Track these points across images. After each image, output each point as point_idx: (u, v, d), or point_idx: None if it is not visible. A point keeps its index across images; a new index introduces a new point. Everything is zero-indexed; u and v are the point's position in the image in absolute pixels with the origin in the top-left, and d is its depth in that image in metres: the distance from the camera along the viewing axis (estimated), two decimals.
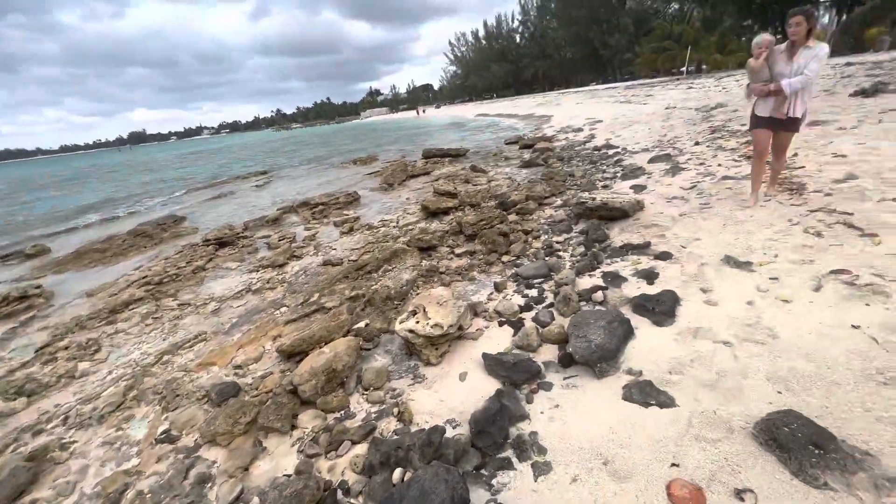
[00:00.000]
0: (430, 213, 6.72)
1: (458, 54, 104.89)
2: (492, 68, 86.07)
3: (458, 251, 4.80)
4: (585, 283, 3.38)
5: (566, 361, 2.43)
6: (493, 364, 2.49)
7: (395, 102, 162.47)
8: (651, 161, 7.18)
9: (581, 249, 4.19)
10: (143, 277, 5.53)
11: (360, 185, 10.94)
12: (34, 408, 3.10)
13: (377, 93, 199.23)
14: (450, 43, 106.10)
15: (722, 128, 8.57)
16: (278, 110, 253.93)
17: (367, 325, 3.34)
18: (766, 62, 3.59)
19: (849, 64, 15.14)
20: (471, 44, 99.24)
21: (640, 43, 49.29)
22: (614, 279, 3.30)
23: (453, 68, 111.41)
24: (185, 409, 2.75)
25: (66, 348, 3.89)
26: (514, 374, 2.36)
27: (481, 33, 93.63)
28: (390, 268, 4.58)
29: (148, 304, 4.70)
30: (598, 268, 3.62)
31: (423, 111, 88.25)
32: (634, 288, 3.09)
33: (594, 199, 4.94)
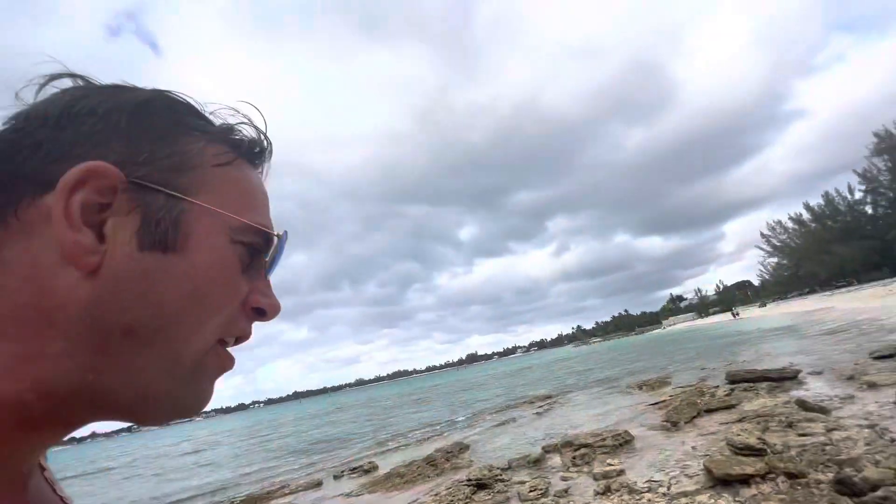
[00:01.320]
0: (718, 480, 4.83)
1: (778, 243, 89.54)
2: (834, 250, 67.73)
3: None
4: None
5: None
6: None
7: (703, 306, 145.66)
8: None
9: None
10: None
11: (638, 420, 9.40)
12: None
13: (679, 298, 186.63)
14: (762, 235, 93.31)
15: None
16: (578, 326, 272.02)
17: None
18: None
19: None
20: (792, 230, 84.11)
21: None
22: None
23: (775, 259, 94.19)
24: None
25: None
26: None
27: (805, 216, 78.96)
28: None
29: None
30: None
31: (738, 314, 74.27)
32: None
33: None
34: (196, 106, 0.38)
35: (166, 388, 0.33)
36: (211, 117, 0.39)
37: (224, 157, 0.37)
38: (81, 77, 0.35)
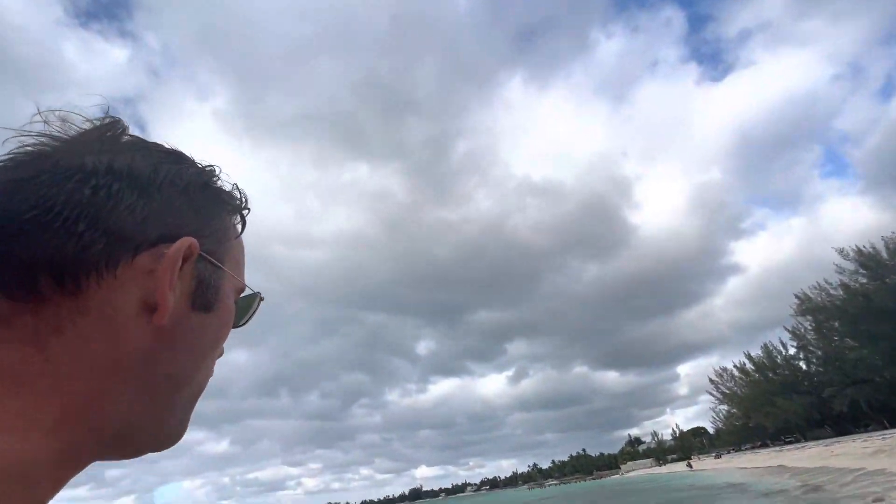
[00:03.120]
0: None
1: (726, 391, 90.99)
2: (778, 403, 69.19)
3: None
4: None
5: None
6: None
7: (661, 451, 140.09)
8: None
9: None
10: None
11: None
12: None
13: (637, 441, 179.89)
14: (710, 380, 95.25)
15: None
16: (535, 464, 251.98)
17: None
18: None
19: None
20: (738, 378, 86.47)
21: None
22: None
23: (725, 407, 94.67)
24: None
25: None
26: None
27: (748, 366, 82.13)
28: None
29: None
30: None
31: (691, 465, 71.83)
32: None
33: None
34: (227, 181, 0.44)
35: (178, 422, 0.39)
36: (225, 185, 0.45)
37: (238, 229, 0.45)
38: (130, 133, 0.40)
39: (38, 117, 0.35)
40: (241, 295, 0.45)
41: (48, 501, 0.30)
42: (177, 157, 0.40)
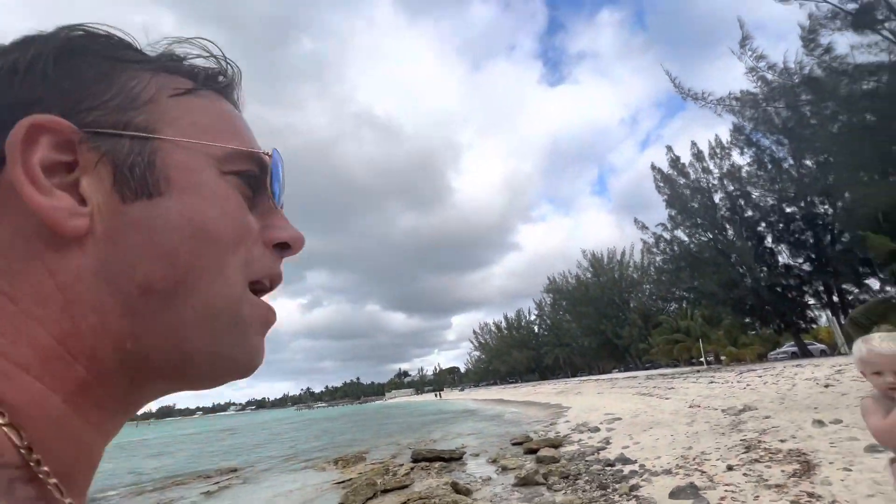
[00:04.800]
0: None
1: (483, 341, 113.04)
2: (513, 354, 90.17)
3: None
4: None
5: None
6: None
7: (421, 384, 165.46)
8: (672, 496, 5.29)
9: None
10: None
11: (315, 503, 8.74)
12: None
13: (405, 374, 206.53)
14: (474, 332, 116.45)
15: (757, 444, 6.85)
16: (308, 388, 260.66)
17: None
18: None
19: None
20: (493, 332, 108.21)
21: (651, 335, 51.72)
22: None
23: (478, 353, 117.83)
24: None
25: None
26: None
27: (503, 324, 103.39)
28: None
29: None
30: None
31: (439, 395, 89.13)
32: None
33: None
34: (124, 38, 0.33)
35: (210, 345, 0.30)
36: (149, 50, 0.34)
37: (180, 86, 0.33)
38: None
39: None
40: (242, 167, 0.33)
41: (110, 432, 0.28)
42: (22, 40, 0.30)
